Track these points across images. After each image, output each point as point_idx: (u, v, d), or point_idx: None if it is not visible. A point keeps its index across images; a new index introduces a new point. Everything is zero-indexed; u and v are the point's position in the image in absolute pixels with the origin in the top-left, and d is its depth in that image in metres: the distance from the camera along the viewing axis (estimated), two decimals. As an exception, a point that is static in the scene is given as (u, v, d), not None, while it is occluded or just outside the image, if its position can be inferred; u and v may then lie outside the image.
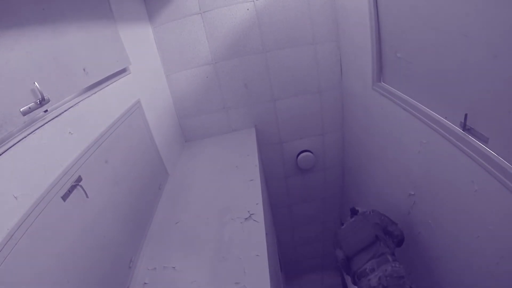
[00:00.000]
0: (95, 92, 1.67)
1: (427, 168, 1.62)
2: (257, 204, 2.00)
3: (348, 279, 2.15)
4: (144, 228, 1.96)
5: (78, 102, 1.51)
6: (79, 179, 1.37)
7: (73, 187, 1.32)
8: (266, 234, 1.78)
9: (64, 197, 1.25)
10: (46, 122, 1.25)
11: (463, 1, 1.14)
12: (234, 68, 2.91)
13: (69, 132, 1.39)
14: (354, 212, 2.12)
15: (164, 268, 1.68)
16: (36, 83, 1.16)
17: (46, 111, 1.26)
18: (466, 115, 1.25)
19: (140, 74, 2.31)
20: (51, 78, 1.30)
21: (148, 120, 2.29)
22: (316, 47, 2.85)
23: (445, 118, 1.42)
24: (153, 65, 2.71)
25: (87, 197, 1.39)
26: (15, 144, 1.08)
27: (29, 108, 1.14)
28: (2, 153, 1.02)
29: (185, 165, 2.78)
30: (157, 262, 1.73)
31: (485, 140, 1.18)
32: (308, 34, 2.80)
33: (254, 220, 1.88)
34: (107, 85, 1.81)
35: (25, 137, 1.13)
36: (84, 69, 1.55)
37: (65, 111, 1.39)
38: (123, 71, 2.06)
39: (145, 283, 1.62)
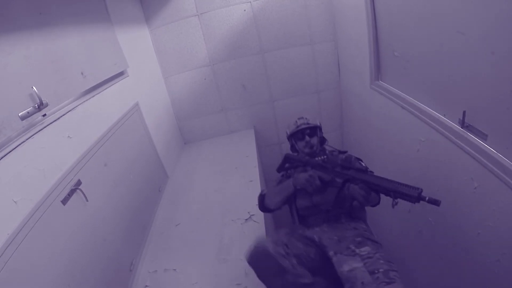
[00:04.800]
0: (94, 96, 1.67)
1: (426, 166, 1.62)
2: (257, 204, 1.99)
3: None
4: (145, 230, 1.95)
5: (77, 106, 1.50)
6: (79, 183, 1.37)
7: (72, 191, 1.31)
8: (267, 235, 1.78)
9: (64, 201, 1.25)
10: (45, 127, 1.25)
11: (459, -1, 1.14)
12: (232, 70, 2.91)
13: (68, 136, 1.39)
14: None
15: (165, 271, 1.67)
16: (34, 87, 1.16)
17: (44, 115, 1.26)
18: (464, 112, 1.25)
19: (138, 77, 2.31)
20: (49, 82, 1.30)
21: (146, 122, 2.29)
22: (314, 47, 2.85)
23: (444, 115, 1.43)
24: (151, 68, 2.71)
25: (87, 200, 1.39)
26: (14, 148, 1.08)
27: (28, 112, 1.13)
28: (1, 158, 1.02)
29: (185, 167, 2.78)
30: (158, 264, 1.73)
31: (483, 137, 1.18)
32: (305, 34, 2.80)
33: (254, 221, 1.88)
34: (105, 89, 1.81)
35: (24, 141, 1.13)
36: (82, 73, 1.54)
37: (63, 115, 1.39)
38: (121, 74, 2.06)
39: (146, 285, 1.61)
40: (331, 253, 1.29)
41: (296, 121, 1.75)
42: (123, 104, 1.99)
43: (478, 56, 1.11)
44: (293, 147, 1.79)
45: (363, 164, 1.56)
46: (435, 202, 1.04)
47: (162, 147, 2.54)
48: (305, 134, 1.67)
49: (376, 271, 1.11)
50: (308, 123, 1.70)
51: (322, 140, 1.76)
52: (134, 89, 2.21)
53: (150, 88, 2.59)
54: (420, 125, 1.60)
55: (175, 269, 1.66)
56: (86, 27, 1.68)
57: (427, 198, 1.05)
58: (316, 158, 1.59)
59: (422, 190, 1.07)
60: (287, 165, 1.65)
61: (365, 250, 1.23)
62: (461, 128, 1.29)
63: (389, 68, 1.94)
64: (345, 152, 1.68)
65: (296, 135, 1.71)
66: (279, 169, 1.68)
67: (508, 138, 1.07)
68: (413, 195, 1.07)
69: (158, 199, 2.30)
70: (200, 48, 2.82)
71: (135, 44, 2.41)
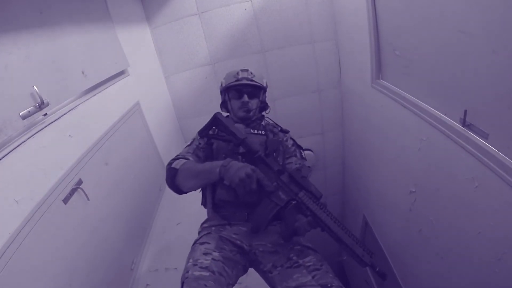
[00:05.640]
0: (94, 95, 1.67)
1: (427, 164, 1.62)
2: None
3: None
4: (146, 229, 1.96)
5: (78, 105, 1.51)
6: (80, 182, 1.37)
7: (73, 190, 1.32)
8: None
9: (65, 200, 1.25)
10: (46, 126, 1.26)
11: (461, -3, 1.14)
12: (233, 68, 2.89)
13: (69, 135, 1.39)
14: None
15: (166, 270, 1.68)
16: (35, 86, 1.16)
17: (45, 114, 1.26)
18: (465, 111, 1.24)
19: (139, 76, 2.31)
20: (50, 82, 1.30)
21: (147, 121, 2.29)
22: (315, 45, 2.85)
23: (445, 114, 1.42)
24: (152, 67, 2.71)
25: (88, 199, 1.39)
26: (15, 148, 1.08)
27: (29, 112, 1.14)
28: (2, 157, 1.02)
29: (186, 166, 2.78)
30: (159, 263, 1.73)
31: (485, 136, 1.18)
32: (306, 33, 2.79)
33: (255, 220, 1.87)
34: (106, 88, 1.81)
35: (25, 141, 1.13)
36: (82, 72, 1.55)
37: (64, 114, 1.39)
38: (122, 73, 2.06)
39: (147, 284, 1.62)
40: (266, 267, 1.06)
41: (238, 73, 1.36)
42: (124, 103, 2.00)
43: (479, 55, 1.11)
44: (224, 104, 1.42)
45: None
46: (382, 275, 0.94)
47: (163, 146, 2.54)
48: (244, 92, 1.32)
49: (330, 285, 0.92)
50: (252, 80, 1.33)
51: (263, 107, 1.43)
52: (135, 88, 2.21)
53: (151, 87, 2.59)
54: (421, 124, 1.59)
55: (176, 268, 1.66)
56: (87, 26, 1.68)
57: (377, 269, 0.93)
58: (252, 131, 1.24)
59: (374, 255, 0.96)
60: (212, 131, 1.24)
61: (309, 260, 1.02)
62: (462, 127, 1.28)
63: (390, 67, 1.94)
64: (287, 131, 1.35)
65: (233, 90, 1.35)
66: (201, 132, 1.27)
67: (509, 137, 1.06)
68: (365, 261, 0.92)
69: (159, 198, 2.30)
70: (201, 47, 2.81)
71: (136, 43, 2.41)
